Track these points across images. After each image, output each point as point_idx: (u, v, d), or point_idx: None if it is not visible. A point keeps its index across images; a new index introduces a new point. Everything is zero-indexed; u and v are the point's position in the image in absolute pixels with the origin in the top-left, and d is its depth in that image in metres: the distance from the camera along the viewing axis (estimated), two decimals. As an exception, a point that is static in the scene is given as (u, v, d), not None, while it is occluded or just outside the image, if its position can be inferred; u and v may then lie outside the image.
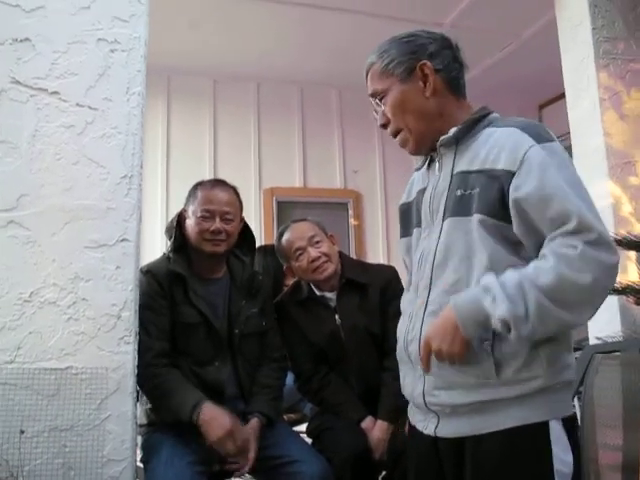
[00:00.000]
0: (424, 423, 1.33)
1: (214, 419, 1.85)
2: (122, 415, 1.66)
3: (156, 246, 3.63)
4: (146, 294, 1.91)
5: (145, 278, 1.94)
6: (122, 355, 1.68)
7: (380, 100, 1.38)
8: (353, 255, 4.49)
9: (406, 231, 1.49)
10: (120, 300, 1.71)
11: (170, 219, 2.19)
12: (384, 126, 1.40)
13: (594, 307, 1.18)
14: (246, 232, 2.17)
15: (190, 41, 4.05)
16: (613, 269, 1.17)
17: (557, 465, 1.19)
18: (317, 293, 2.26)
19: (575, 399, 1.90)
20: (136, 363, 1.73)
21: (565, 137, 2.90)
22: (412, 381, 1.35)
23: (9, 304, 1.64)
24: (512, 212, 1.21)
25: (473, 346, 1.21)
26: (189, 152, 4.57)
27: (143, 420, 1.99)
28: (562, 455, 1.20)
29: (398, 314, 1.49)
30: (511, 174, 1.21)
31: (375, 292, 2.21)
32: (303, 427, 2.37)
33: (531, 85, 4.54)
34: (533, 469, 1.20)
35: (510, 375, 1.21)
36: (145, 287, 1.91)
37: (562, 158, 1.23)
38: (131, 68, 1.83)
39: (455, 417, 1.26)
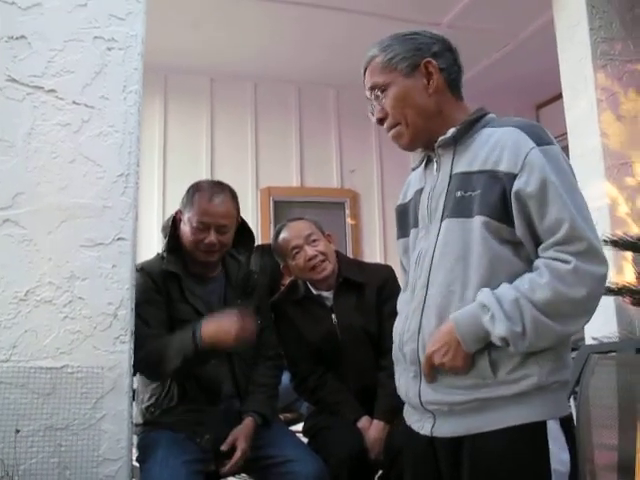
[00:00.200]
0: (420, 423, 1.34)
1: (217, 332, 1.83)
2: (118, 414, 1.66)
3: (152, 245, 3.62)
4: (141, 290, 1.90)
5: (139, 275, 1.93)
6: (118, 354, 1.68)
7: (381, 93, 1.37)
8: (350, 255, 4.49)
9: (403, 232, 1.49)
10: (116, 299, 1.70)
11: (167, 218, 2.18)
12: (381, 120, 1.39)
13: (589, 316, 1.22)
14: (244, 230, 2.16)
15: (187, 40, 4.04)
16: (604, 279, 1.21)
17: (554, 464, 1.20)
18: (314, 292, 2.26)
19: (571, 399, 1.90)
20: (132, 362, 1.72)
21: (562, 138, 2.90)
22: (407, 381, 1.35)
23: (5, 303, 1.63)
24: (514, 212, 1.22)
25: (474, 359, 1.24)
26: (186, 151, 4.56)
27: (139, 419, 1.99)
28: (559, 454, 1.21)
29: (394, 314, 1.49)
30: (513, 176, 1.22)
31: (372, 291, 2.21)
32: (299, 426, 2.37)
33: (528, 85, 4.55)
34: (531, 468, 1.20)
35: (506, 374, 1.22)
36: (140, 283, 1.91)
37: (561, 162, 1.25)
38: (128, 66, 1.83)
39: (452, 416, 1.26)
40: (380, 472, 2.13)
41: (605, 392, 1.96)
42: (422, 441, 1.33)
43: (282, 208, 4.66)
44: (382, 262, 4.33)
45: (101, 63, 1.80)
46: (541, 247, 1.22)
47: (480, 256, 1.24)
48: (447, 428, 1.27)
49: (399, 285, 2.03)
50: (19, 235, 1.67)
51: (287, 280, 2.51)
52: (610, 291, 2.31)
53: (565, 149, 2.64)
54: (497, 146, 1.26)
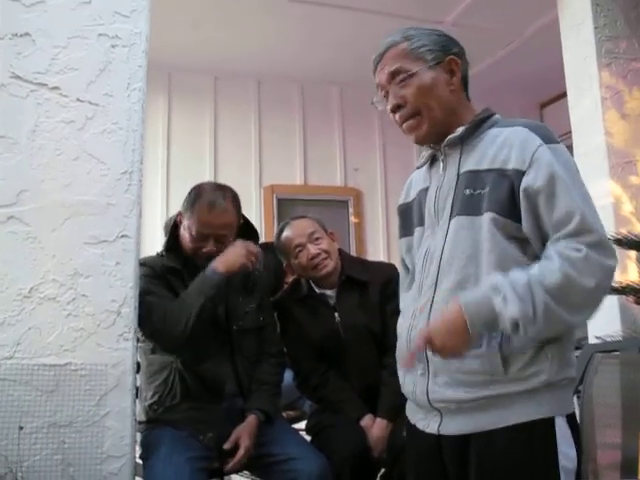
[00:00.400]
0: (425, 422, 1.33)
1: (228, 257, 1.95)
2: (121, 411, 1.66)
3: (156, 242, 3.60)
4: (145, 282, 1.91)
5: (143, 268, 1.92)
6: (121, 351, 1.68)
7: (402, 80, 1.34)
8: (353, 253, 4.49)
9: (407, 231, 1.49)
10: (120, 296, 1.71)
11: (170, 216, 2.18)
12: (397, 107, 1.36)
13: (595, 309, 1.21)
14: (247, 228, 2.16)
15: (191, 38, 4.04)
16: (613, 272, 1.20)
17: (562, 461, 1.20)
18: (317, 291, 2.26)
19: (574, 398, 1.90)
20: (135, 360, 1.73)
21: (566, 136, 2.90)
22: (413, 379, 1.34)
23: (9, 300, 1.64)
24: (522, 208, 1.22)
25: (474, 344, 1.22)
26: (189, 149, 4.56)
27: (142, 417, 1.99)
28: (567, 451, 1.21)
29: (398, 312, 1.49)
30: (521, 173, 1.23)
31: (375, 290, 2.21)
32: (302, 424, 2.37)
33: (532, 84, 4.54)
34: (539, 465, 1.20)
35: (517, 371, 1.21)
36: (144, 274, 1.92)
37: (568, 160, 1.26)
38: (132, 63, 1.83)
39: (459, 414, 1.26)
40: (383, 470, 2.13)
41: (608, 391, 1.95)
42: (427, 439, 1.32)
43: (285, 206, 4.66)
44: (385, 260, 4.32)
45: (105, 60, 1.80)
46: (551, 239, 1.20)
47: (489, 252, 1.24)
48: (455, 426, 1.27)
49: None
50: (23, 232, 1.67)
51: (290, 278, 2.51)
52: (614, 290, 2.31)
53: (569, 148, 2.62)
54: (505, 145, 1.27)
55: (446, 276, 1.29)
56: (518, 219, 1.23)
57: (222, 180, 4.26)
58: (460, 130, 1.33)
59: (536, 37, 4.00)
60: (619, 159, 2.74)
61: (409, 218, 1.47)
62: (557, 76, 3.11)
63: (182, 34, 3.96)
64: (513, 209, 1.23)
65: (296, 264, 2.23)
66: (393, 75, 1.36)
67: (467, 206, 1.28)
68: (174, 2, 3.52)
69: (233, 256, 1.97)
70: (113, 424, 1.65)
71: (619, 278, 2.49)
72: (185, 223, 2.03)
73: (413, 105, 1.34)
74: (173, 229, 2.08)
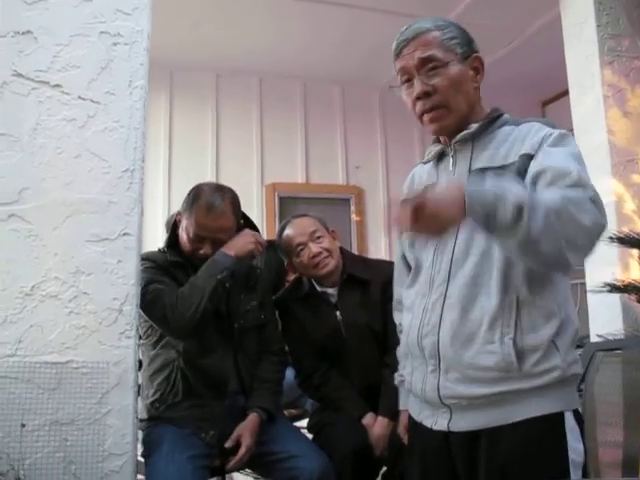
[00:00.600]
0: (433, 418, 1.32)
1: (237, 242, 2.00)
2: (123, 409, 1.66)
3: (157, 240, 3.60)
4: (150, 273, 1.94)
5: (144, 262, 1.92)
6: (123, 349, 1.68)
7: (434, 69, 1.32)
8: (355, 251, 4.49)
9: None
10: (122, 294, 1.71)
11: (172, 214, 2.18)
12: (425, 95, 1.32)
13: (586, 251, 1.13)
14: (248, 226, 2.15)
15: (193, 36, 4.04)
16: (603, 230, 1.14)
17: (571, 455, 1.21)
18: (318, 289, 2.26)
19: (576, 396, 1.90)
20: (137, 357, 1.73)
21: (568, 134, 2.89)
22: (424, 376, 1.32)
23: (10, 297, 1.63)
24: (528, 185, 1.19)
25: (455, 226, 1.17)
26: (191, 147, 4.56)
27: (144, 415, 2.00)
28: (575, 445, 1.22)
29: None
30: (530, 157, 1.23)
31: (376, 288, 2.20)
32: (304, 422, 2.37)
33: (534, 82, 4.54)
34: (550, 458, 1.21)
35: (530, 367, 1.21)
36: (146, 268, 1.93)
37: (575, 145, 1.27)
38: (134, 61, 1.83)
39: (470, 410, 1.25)
40: (384, 469, 2.14)
41: (610, 389, 1.95)
42: (434, 436, 1.31)
43: (287, 204, 4.66)
44: (387, 259, 4.33)
45: (107, 58, 1.80)
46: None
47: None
48: (465, 422, 1.26)
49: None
50: (25, 230, 1.67)
51: (291, 277, 2.51)
52: (616, 288, 2.31)
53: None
54: (517, 140, 1.28)
55: (458, 271, 1.28)
56: None
57: (224, 178, 4.30)
58: (474, 127, 1.33)
59: (538, 35, 4.00)
60: (621, 157, 2.73)
61: None
62: (559, 74, 3.11)
63: (184, 32, 3.96)
64: None
65: (298, 262, 2.23)
66: (424, 62, 1.33)
67: None
68: (176, 0, 3.52)
69: (243, 242, 2.01)
70: (115, 422, 1.65)
71: (621, 276, 2.49)
72: (183, 224, 2.03)
73: (443, 95, 1.32)
74: (174, 226, 2.08)
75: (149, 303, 1.87)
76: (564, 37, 3.04)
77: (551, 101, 4.95)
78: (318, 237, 2.21)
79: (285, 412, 2.45)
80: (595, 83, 2.82)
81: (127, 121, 1.79)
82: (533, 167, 1.22)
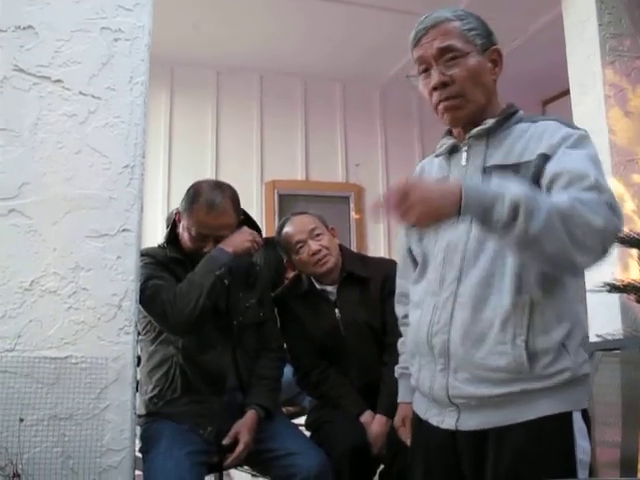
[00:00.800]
0: (440, 417, 1.31)
1: (235, 238, 2.01)
2: (121, 405, 1.66)
3: (157, 236, 3.61)
4: (149, 269, 1.94)
5: (143, 257, 1.92)
6: (122, 345, 1.68)
7: (453, 59, 1.30)
8: (354, 249, 4.49)
9: None
10: (121, 290, 1.71)
11: (172, 210, 2.18)
12: (443, 85, 1.30)
13: (596, 253, 1.11)
14: (248, 223, 2.16)
15: (193, 32, 4.03)
16: (618, 232, 1.13)
17: (579, 454, 1.20)
18: (317, 287, 2.26)
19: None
20: (136, 353, 1.73)
21: (569, 134, 2.88)
22: (432, 374, 1.31)
23: (10, 292, 1.64)
24: (544, 187, 1.19)
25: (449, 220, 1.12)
26: (191, 143, 4.56)
27: (142, 410, 2.00)
28: (583, 444, 1.22)
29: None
30: (546, 157, 1.22)
31: (376, 286, 2.20)
32: (302, 420, 2.37)
33: (535, 81, 4.53)
34: (559, 457, 1.21)
35: (542, 369, 1.20)
36: (145, 264, 1.93)
37: (593, 148, 1.26)
38: (135, 57, 1.82)
39: (479, 410, 1.25)
40: (382, 467, 2.14)
41: (609, 389, 1.96)
42: (441, 435, 1.31)
43: (287, 202, 4.66)
44: (386, 256, 4.33)
45: (108, 54, 1.80)
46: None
47: None
48: (474, 421, 1.25)
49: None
50: (25, 225, 1.67)
51: (291, 274, 2.51)
52: (615, 288, 2.31)
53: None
54: (533, 138, 1.27)
55: (471, 270, 1.26)
56: None
57: (223, 175, 4.29)
58: (489, 122, 1.32)
59: (539, 34, 4.00)
60: (622, 157, 2.73)
61: None
62: (560, 73, 3.10)
63: (184, 29, 3.95)
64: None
65: (297, 260, 2.23)
66: (443, 52, 1.31)
67: None
68: (177, -4, 3.52)
69: (241, 239, 2.01)
70: (113, 417, 1.65)
71: (621, 276, 2.49)
72: (184, 223, 2.03)
73: (461, 86, 1.30)
74: (173, 224, 2.08)
75: (148, 299, 1.87)
76: (566, 36, 3.04)
77: (552, 100, 4.94)
78: (317, 235, 2.21)
79: (283, 409, 2.45)
80: (596, 83, 2.82)
81: (128, 117, 1.79)
82: (550, 168, 1.20)
